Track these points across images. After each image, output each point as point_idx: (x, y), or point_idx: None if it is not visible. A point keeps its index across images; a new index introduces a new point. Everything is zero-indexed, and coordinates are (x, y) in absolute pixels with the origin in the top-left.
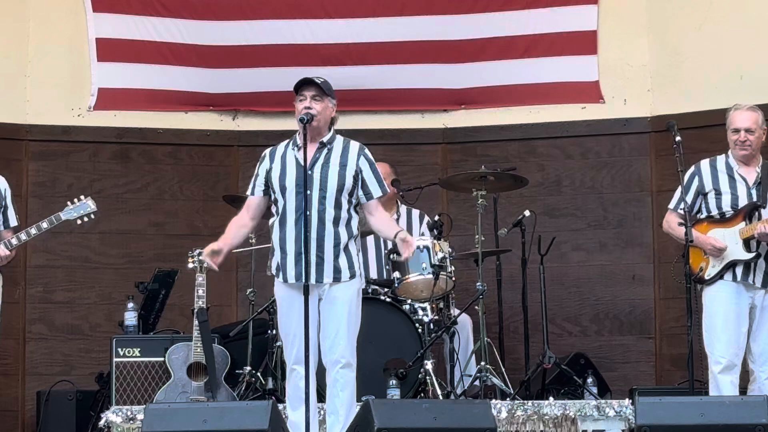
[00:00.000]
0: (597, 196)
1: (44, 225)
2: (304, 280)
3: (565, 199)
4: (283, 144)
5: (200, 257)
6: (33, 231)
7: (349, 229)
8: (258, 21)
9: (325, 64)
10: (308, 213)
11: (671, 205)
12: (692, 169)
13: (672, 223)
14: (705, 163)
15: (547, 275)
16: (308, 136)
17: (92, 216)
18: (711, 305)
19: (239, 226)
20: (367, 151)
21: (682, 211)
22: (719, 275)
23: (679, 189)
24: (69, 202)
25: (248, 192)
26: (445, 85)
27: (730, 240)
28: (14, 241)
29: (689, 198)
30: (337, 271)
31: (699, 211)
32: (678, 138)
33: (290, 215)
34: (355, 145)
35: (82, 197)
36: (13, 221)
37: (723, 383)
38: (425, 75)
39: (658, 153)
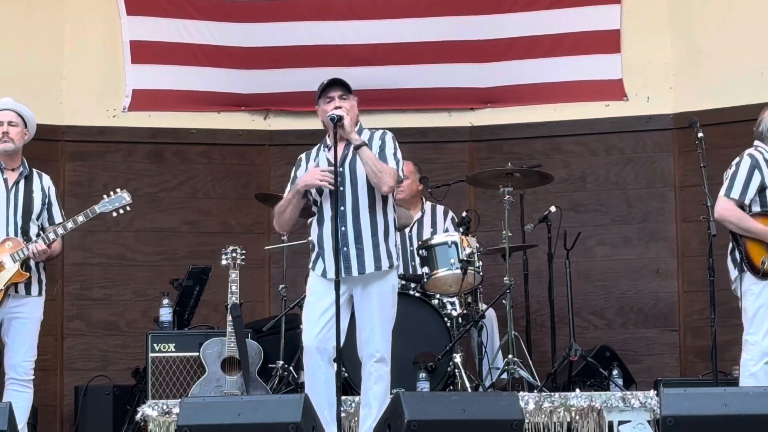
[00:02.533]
0: (621, 192)
1: (80, 218)
2: (335, 276)
3: (589, 195)
4: (315, 148)
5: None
6: (69, 225)
7: (386, 217)
8: (288, 23)
9: (353, 65)
10: (342, 208)
11: (733, 194)
12: (749, 160)
13: (735, 211)
14: (759, 156)
15: (573, 269)
16: (338, 135)
17: (128, 208)
18: (762, 297)
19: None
20: (387, 135)
21: (741, 200)
22: None
23: (738, 177)
24: (105, 195)
25: (287, 192)
26: (471, 84)
27: None
28: (51, 235)
29: (751, 191)
30: (377, 260)
31: (750, 204)
32: (700, 134)
33: (327, 213)
34: (377, 134)
35: (117, 190)
36: (58, 218)
37: (767, 374)
38: (452, 74)
39: (680, 149)
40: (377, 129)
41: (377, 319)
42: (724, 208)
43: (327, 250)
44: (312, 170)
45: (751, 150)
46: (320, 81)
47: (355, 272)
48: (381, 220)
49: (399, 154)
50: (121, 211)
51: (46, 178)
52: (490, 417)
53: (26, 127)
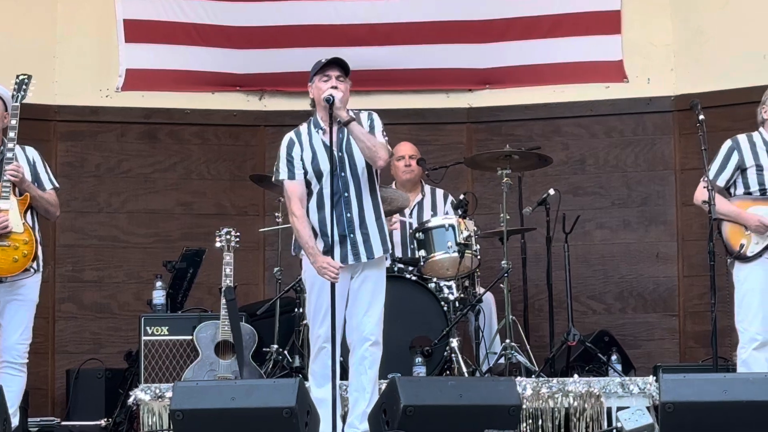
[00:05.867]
0: (621, 175)
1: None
2: (350, 261)
3: (589, 178)
4: (303, 128)
5: (332, 275)
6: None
7: (380, 200)
8: (284, 2)
9: (350, 45)
10: (346, 194)
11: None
12: (729, 143)
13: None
14: (743, 138)
15: (572, 253)
16: (333, 117)
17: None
18: (747, 282)
19: (306, 221)
20: (374, 114)
21: (719, 185)
22: (759, 253)
23: (715, 160)
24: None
25: (285, 176)
26: (469, 64)
27: None
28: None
29: (727, 172)
30: (383, 244)
31: (732, 186)
32: (701, 117)
33: (327, 199)
34: (363, 114)
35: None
36: (48, 185)
37: (756, 360)
38: (450, 55)
39: (681, 132)
40: (362, 110)
41: (373, 303)
42: (700, 191)
43: (333, 236)
44: (321, 267)
45: (743, 134)
46: (316, 61)
47: (364, 258)
48: (378, 203)
49: (385, 133)
50: (32, 87)
51: (30, 150)
52: (487, 402)
53: (6, 110)
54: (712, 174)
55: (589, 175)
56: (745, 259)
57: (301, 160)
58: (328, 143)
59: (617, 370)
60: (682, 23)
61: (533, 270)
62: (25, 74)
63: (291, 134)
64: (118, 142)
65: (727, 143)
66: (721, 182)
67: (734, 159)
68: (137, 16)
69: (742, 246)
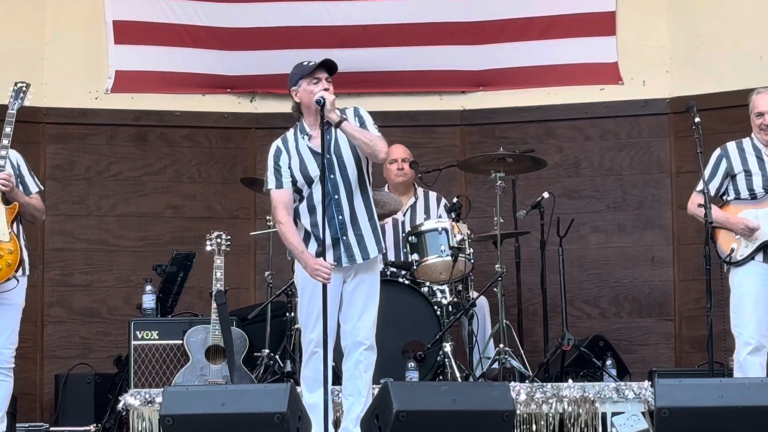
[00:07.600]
0: (616, 178)
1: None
2: (344, 263)
3: (583, 181)
4: (289, 134)
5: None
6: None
7: (372, 200)
8: (276, 3)
9: (343, 46)
10: (336, 197)
11: (698, 187)
12: (719, 151)
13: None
14: (732, 145)
15: (566, 257)
16: (318, 120)
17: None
18: (740, 286)
19: (293, 226)
20: (360, 109)
21: (710, 193)
22: (750, 256)
23: (705, 169)
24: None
25: (272, 186)
26: (463, 66)
27: (763, 220)
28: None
29: (717, 180)
30: (377, 243)
31: (725, 193)
32: (697, 119)
33: (318, 202)
34: (349, 111)
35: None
36: (33, 188)
37: (751, 365)
38: (443, 57)
39: (677, 134)
40: (346, 107)
41: (368, 307)
42: (690, 202)
43: (326, 239)
44: (313, 269)
45: (733, 141)
46: (297, 63)
47: (359, 259)
48: (370, 203)
49: (376, 125)
50: (30, 96)
51: (13, 153)
52: (481, 407)
53: None
54: (700, 185)
55: (584, 178)
56: (735, 263)
57: (289, 168)
58: (315, 148)
59: (612, 375)
60: (677, 25)
61: (527, 274)
62: (23, 82)
63: (278, 142)
64: (107, 145)
65: (717, 151)
66: (711, 190)
67: (723, 167)
68: (127, 17)
69: (732, 250)
